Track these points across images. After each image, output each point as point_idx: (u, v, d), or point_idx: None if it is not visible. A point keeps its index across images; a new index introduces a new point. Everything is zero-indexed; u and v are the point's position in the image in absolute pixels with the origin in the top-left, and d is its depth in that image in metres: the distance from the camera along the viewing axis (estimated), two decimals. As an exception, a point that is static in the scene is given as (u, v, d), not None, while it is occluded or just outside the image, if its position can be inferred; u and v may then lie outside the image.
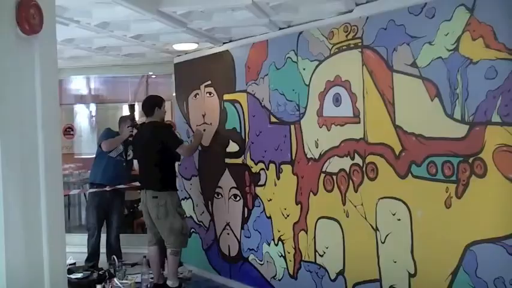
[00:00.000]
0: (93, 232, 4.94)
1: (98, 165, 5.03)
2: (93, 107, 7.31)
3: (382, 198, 3.15)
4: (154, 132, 4.28)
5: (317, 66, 3.56)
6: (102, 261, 4.97)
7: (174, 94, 5.15)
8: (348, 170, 3.37)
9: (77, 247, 4.86)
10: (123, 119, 5.22)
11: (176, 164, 4.63)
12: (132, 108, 5.28)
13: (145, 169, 4.37)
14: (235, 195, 4.41)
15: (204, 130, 4.66)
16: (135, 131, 4.80)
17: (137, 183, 5.67)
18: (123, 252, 5.08)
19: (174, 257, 4.25)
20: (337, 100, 3.43)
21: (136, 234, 6.01)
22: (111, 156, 4.97)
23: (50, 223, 2.16)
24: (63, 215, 2.34)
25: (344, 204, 3.41)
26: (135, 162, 4.66)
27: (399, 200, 3.04)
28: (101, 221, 5.02)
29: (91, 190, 5.03)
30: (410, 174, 2.96)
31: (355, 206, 3.33)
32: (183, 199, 4.78)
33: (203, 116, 4.70)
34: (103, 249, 5.04)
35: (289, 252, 3.88)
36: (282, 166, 3.90)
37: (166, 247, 4.29)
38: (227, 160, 4.45)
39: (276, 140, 3.93)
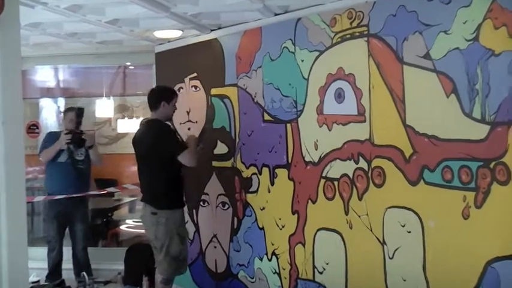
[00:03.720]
0: (54, 245, 4.76)
1: (50, 175, 4.82)
2: (61, 101, 7.28)
3: (390, 207, 3.13)
4: (150, 135, 4.00)
5: (317, 58, 3.54)
6: (70, 278, 4.89)
7: (154, 88, 5.11)
8: (351, 175, 3.35)
9: (41, 262, 4.78)
10: (67, 112, 4.88)
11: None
12: (79, 112, 4.77)
13: (144, 180, 4.11)
14: (223, 203, 4.39)
15: (189, 129, 4.62)
16: (90, 142, 4.63)
17: (110, 189, 5.65)
18: (94, 268, 5.00)
19: (165, 286, 4.04)
20: (339, 96, 3.42)
21: (110, 248, 5.97)
22: (60, 162, 4.72)
23: (11, 234, 2.12)
24: (25, 225, 2.30)
25: (347, 213, 3.39)
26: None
27: (409, 209, 3.02)
28: (62, 233, 4.83)
29: (47, 198, 4.80)
30: (422, 181, 2.94)
31: (360, 216, 3.31)
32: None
33: (187, 112, 4.67)
34: (66, 264, 4.91)
35: (284, 269, 3.85)
36: (276, 170, 3.89)
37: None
38: (214, 163, 4.43)
39: (270, 141, 3.92)
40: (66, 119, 4.82)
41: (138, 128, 4.26)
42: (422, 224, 2.96)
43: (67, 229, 4.93)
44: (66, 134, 4.64)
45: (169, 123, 4.19)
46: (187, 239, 4.23)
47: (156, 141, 3.92)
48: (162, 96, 4.06)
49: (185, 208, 4.66)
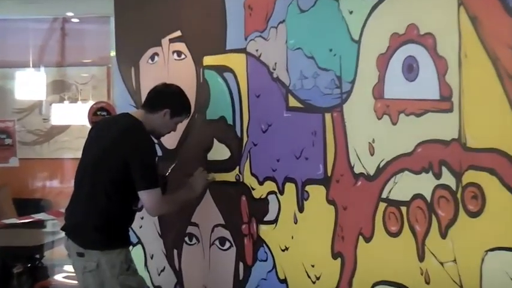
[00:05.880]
0: None
1: None
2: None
3: (492, 249, 3.11)
4: (122, 131, 4.18)
5: (374, 8, 3.56)
6: None
7: (113, 54, 5.14)
8: (428, 197, 3.34)
9: None
10: None
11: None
12: None
13: (79, 196, 4.27)
14: (222, 240, 4.45)
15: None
16: None
17: (39, 216, 5.66)
18: None
19: None
20: (410, 69, 3.42)
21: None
22: None
23: None
24: None
25: (421, 259, 3.39)
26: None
27: (525, 253, 3.02)
28: None
29: None
30: (547, 207, 2.94)
31: (442, 264, 3.31)
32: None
33: (166, 94, 4.70)
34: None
35: None
36: (308, 188, 3.92)
37: None
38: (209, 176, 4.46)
39: (297, 141, 3.96)
40: None
41: (105, 121, 4.40)
42: (546, 278, 2.96)
43: None
44: None
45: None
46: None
47: (126, 143, 4.09)
48: (170, 102, 4.27)
49: (159, 246, 4.71)
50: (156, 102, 4.26)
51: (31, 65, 7.19)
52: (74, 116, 6.97)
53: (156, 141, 4.36)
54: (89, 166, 4.20)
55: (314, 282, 3.90)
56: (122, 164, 4.04)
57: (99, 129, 4.41)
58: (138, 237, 4.92)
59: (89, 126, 5.86)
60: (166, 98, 4.29)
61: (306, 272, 3.94)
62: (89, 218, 4.13)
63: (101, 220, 4.11)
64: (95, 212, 4.12)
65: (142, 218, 4.86)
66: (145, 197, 4.04)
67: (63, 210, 5.65)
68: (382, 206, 3.55)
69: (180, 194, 4.35)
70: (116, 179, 4.07)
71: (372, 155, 3.60)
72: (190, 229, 4.59)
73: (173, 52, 4.68)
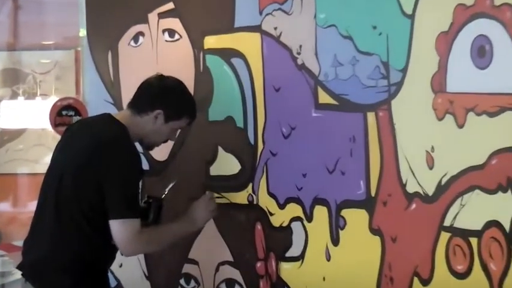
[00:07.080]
0: None
1: None
2: None
3: None
4: (95, 148, 4.12)
5: (433, -28, 3.59)
6: None
7: (82, 33, 5.17)
8: (507, 225, 3.33)
9: None
10: None
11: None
12: None
13: (42, 225, 4.26)
14: (230, 283, 4.48)
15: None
16: None
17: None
18: None
19: None
20: (481, 54, 3.43)
21: None
22: None
23: None
24: None
25: (498, 307, 3.42)
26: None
27: None
28: None
29: None
30: None
31: (526, 315, 3.33)
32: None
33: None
34: None
35: None
36: (344, 212, 3.94)
37: None
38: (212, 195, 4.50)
39: (330, 149, 3.98)
40: None
41: (78, 125, 4.44)
42: None
43: None
44: None
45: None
46: None
47: (101, 156, 4.06)
48: (163, 100, 4.21)
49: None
50: (144, 101, 4.22)
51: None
52: (30, 116, 6.96)
53: (141, 150, 4.34)
54: (54, 185, 4.16)
55: None
56: (96, 183, 4.00)
57: (71, 136, 4.38)
58: (117, 280, 4.96)
59: (51, 130, 5.88)
60: (159, 94, 4.22)
61: (343, 325, 3.99)
62: (55, 254, 4.11)
63: (69, 257, 4.09)
64: (63, 246, 4.09)
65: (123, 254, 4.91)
66: (117, 229, 3.97)
67: (17, 243, 5.71)
68: (445, 236, 3.54)
69: (172, 228, 4.30)
70: (90, 202, 4.03)
71: (430, 168, 3.60)
72: (187, 268, 4.63)
73: (164, 31, 4.73)
